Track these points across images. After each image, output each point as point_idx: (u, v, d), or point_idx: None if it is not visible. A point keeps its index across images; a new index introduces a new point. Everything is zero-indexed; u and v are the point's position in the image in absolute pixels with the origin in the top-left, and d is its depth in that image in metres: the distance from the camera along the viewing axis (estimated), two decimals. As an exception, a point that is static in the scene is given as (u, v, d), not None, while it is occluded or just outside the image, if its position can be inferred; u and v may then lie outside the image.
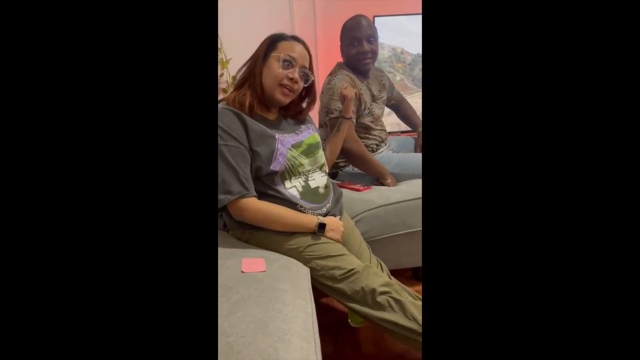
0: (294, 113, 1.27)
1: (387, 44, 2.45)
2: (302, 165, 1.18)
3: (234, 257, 1.04)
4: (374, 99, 1.81)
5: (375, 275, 1.06)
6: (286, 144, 1.17)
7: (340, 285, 1.06)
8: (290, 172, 1.16)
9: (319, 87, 1.83)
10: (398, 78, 2.52)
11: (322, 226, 1.14)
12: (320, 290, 1.11)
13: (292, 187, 1.17)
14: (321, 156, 1.27)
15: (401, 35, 2.49)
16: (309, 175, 1.21)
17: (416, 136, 2.06)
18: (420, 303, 1.03)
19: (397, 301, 1.01)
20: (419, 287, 1.57)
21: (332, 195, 1.26)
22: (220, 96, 1.55)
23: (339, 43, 1.81)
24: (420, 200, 1.48)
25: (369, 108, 1.77)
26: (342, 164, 1.79)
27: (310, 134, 1.26)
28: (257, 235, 1.16)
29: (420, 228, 1.48)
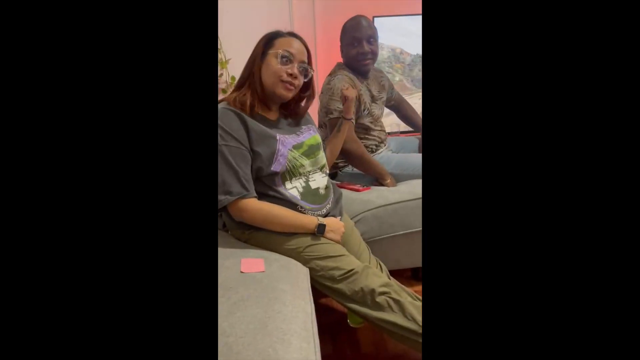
0: (294, 110, 1.27)
1: (386, 44, 2.45)
2: (303, 166, 1.18)
3: (233, 257, 1.04)
4: (373, 99, 1.81)
5: (375, 276, 1.06)
6: (287, 144, 1.16)
7: (340, 286, 1.06)
8: (291, 172, 1.16)
9: (318, 87, 1.83)
10: (397, 78, 2.52)
11: (321, 227, 1.14)
12: (320, 290, 1.11)
13: (292, 188, 1.17)
14: (322, 157, 1.27)
15: (400, 36, 2.49)
16: (310, 176, 1.21)
17: (420, 136, 2.06)
18: (419, 303, 1.03)
19: (397, 301, 1.01)
20: (419, 288, 1.57)
21: (332, 196, 1.26)
22: (220, 96, 1.55)
23: (339, 43, 1.81)
24: (420, 201, 1.48)
25: (368, 109, 1.77)
26: (341, 165, 1.79)
27: (311, 134, 1.26)
28: (257, 235, 1.16)
29: (420, 228, 1.48)
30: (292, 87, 1.17)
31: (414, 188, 1.56)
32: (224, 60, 2.20)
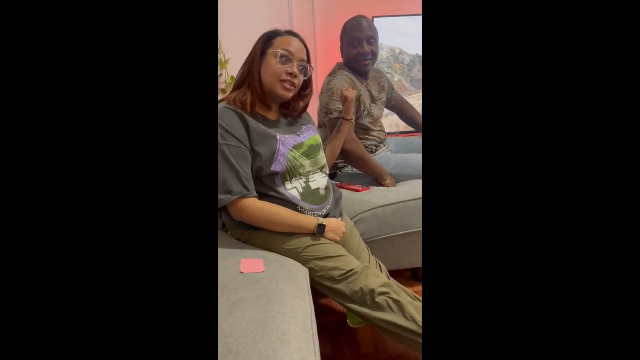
0: (293, 109, 1.27)
1: (386, 44, 2.45)
2: (303, 166, 1.18)
3: (233, 257, 1.04)
4: (373, 100, 1.81)
5: (374, 276, 1.06)
6: (287, 144, 1.16)
7: (339, 286, 1.06)
8: (291, 173, 1.16)
9: (317, 87, 1.83)
10: (396, 79, 2.52)
11: (321, 227, 1.14)
12: (319, 290, 1.11)
13: (292, 188, 1.17)
14: (322, 157, 1.27)
15: (399, 36, 2.49)
16: (310, 176, 1.21)
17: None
18: (418, 304, 1.03)
19: (396, 301, 1.01)
20: (418, 288, 1.57)
21: (332, 196, 1.26)
22: (219, 96, 1.55)
23: (338, 43, 1.81)
24: (419, 201, 1.48)
25: (368, 109, 1.77)
26: (340, 165, 1.79)
27: (311, 135, 1.26)
28: (256, 235, 1.16)
29: (419, 228, 1.48)
30: (292, 87, 1.17)
31: (413, 188, 1.56)
32: (223, 60, 2.20)
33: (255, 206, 1.11)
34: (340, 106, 1.55)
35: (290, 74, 1.15)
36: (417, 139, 2.08)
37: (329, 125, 1.66)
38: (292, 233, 1.13)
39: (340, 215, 1.30)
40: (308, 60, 1.21)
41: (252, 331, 0.73)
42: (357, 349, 1.32)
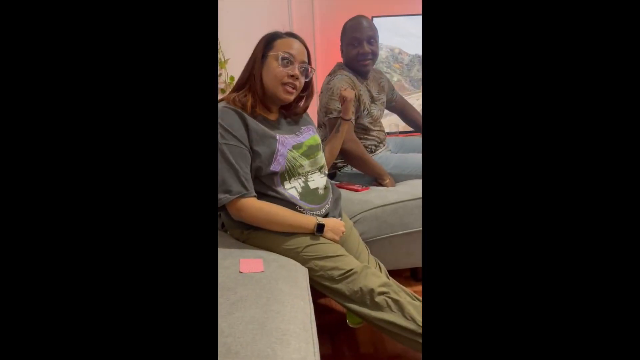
0: (293, 110, 1.27)
1: (385, 44, 2.46)
2: (302, 166, 1.18)
3: (232, 257, 1.04)
4: (372, 100, 1.81)
5: (374, 276, 1.06)
6: (287, 144, 1.16)
7: (339, 286, 1.06)
8: (290, 173, 1.16)
9: (317, 87, 1.83)
10: (395, 79, 2.52)
11: (320, 227, 1.14)
12: (319, 290, 1.11)
13: (291, 188, 1.17)
14: (321, 157, 1.27)
15: (399, 36, 2.49)
16: (308, 176, 1.21)
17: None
18: (418, 303, 1.03)
19: (396, 301, 1.01)
20: (418, 288, 1.57)
21: (331, 196, 1.26)
22: (219, 96, 1.55)
23: (338, 43, 1.81)
24: (418, 201, 1.48)
25: (367, 109, 1.77)
26: (340, 165, 1.79)
27: (310, 135, 1.26)
28: (256, 235, 1.16)
29: (418, 228, 1.48)
30: (294, 90, 1.17)
31: (412, 188, 1.56)
32: (222, 60, 2.20)
33: (254, 206, 1.11)
34: (340, 106, 1.55)
35: (292, 76, 1.15)
36: (417, 139, 2.08)
37: (328, 125, 1.66)
38: (292, 233, 1.13)
39: (340, 215, 1.30)
40: (309, 62, 1.21)
41: (251, 331, 0.73)
42: (356, 349, 1.32)
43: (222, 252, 1.07)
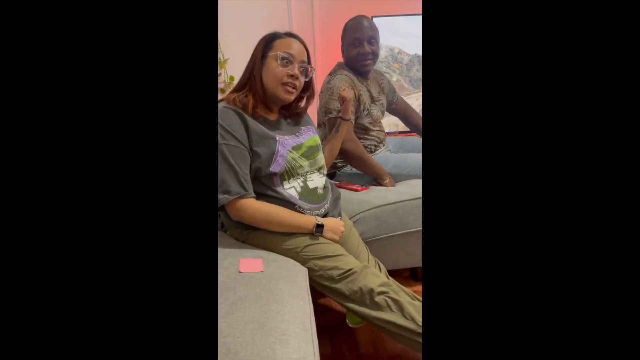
0: (294, 110, 1.27)
1: (384, 44, 2.45)
2: (302, 167, 1.18)
3: (232, 257, 1.04)
4: (372, 100, 1.81)
5: (373, 276, 1.06)
6: (287, 145, 1.16)
7: (338, 286, 1.06)
8: (290, 173, 1.16)
9: (317, 87, 1.83)
10: (395, 79, 2.52)
11: (320, 227, 1.14)
12: (318, 290, 1.11)
13: (290, 188, 1.17)
14: (320, 158, 1.27)
15: (398, 36, 2.49)
16: (308, 176, 1.21)
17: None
18: (418, 303, 1.03)
19: (395, 301, 1.01)
20: (417, 287, 1.57)
21: (330, 195, 1.26)
22: (218, 96, 1.55)
23: (337, 43, 1.81)
24: (418, 201, 1.48)
25: (367, 109, 1.77)
26: (340, 165, 1.79)
27: (310, 135, 1.26)
28: (255, 235, 1.16)
29: (418, 228, 1.48)
30: (294, 90, 1.17)
31: (412, 188, 1.56)
32: (222, 60, 2.20)
33: (253, 206, 1.11)
34: (339, 106, 1.55)
35: (292, 76, 1.15)
36: (416, 139, 2.08)
37: (328, 124, 1.66)
38: (291, 233, 1.13)
39: (339, 214, 1.30)
40: (308, 62, 1.21)
41: (251, 331, 0.73)
42: (356, 349, 1.32)
43: (221, 252, 1.07)
